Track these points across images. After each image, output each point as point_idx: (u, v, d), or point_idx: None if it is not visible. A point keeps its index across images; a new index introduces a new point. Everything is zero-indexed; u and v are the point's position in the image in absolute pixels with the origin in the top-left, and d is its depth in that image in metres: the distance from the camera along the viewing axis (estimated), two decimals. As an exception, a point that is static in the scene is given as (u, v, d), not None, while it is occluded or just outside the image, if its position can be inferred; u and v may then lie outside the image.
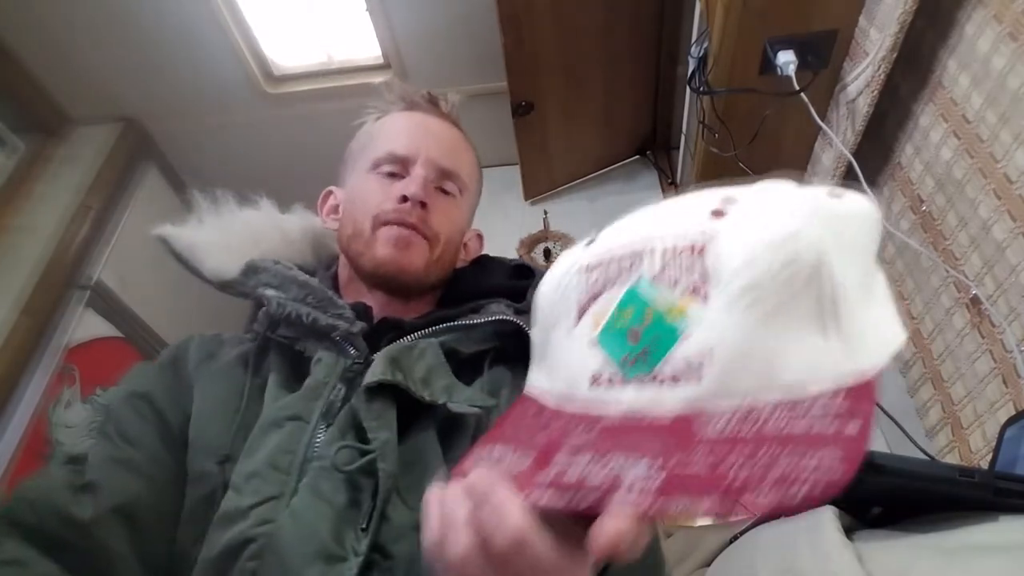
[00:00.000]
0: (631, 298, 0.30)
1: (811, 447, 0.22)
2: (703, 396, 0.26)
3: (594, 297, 0.31)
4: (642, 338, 0.29)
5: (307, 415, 0.51)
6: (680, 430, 0.26)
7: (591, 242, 0.34)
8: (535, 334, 0.37)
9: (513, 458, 0.30)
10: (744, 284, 0.26)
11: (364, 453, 0.46)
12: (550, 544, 0.25)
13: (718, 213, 0.29)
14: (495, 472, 0.26)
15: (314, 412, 0.51)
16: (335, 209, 0.70)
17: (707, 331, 0.27)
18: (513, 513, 0.25)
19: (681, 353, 0.27)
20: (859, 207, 0.29)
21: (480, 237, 0.74)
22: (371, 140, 0.67)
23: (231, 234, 0.64)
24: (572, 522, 0.25)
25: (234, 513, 0.46)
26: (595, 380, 0.30)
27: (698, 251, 0.28)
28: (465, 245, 0.71)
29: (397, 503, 0.47)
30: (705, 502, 0.22)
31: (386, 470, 0.46)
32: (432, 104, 0.69)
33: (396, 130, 0.67)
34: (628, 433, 0.28)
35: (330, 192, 0.72)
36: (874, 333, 0.27)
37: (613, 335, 0.30)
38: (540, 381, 0.36)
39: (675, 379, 0.27)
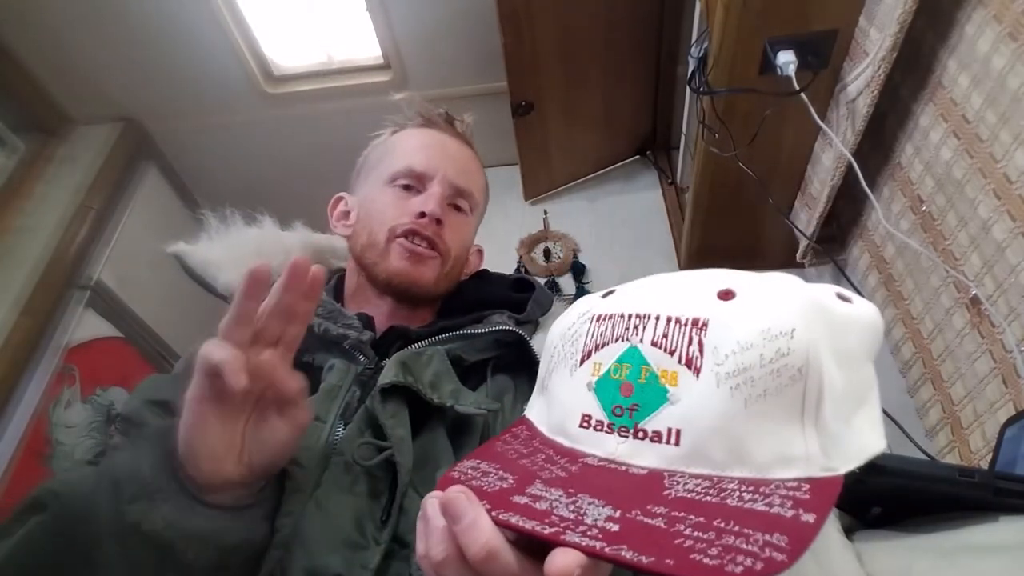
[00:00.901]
0: (631, 355, 0.32)
1: (764, 526, 0.23)
2: (678, 458, 0.29)
3: (599, 346, 0.34)
4: (634, 394, 0.31)
5: (324, 415, 0.53)
6: (651, 483, 0.28)
7: (609, 294, 0.37)
8: (543, 364, 0.39)
9: (494, 476, 0.32)
10: (735, 366, 0.28)
11: (382, 449, 0.49)
12: (519, 556, 0.27)
13: (726, 295, 0.31)
14: (470, 492, 0.28)
15: (331, 412, 0.53)
16: (346, 215, 0.72)
17: (693, 402, 0.29)
18: (485, 529, 0.27)
19: (666, 416, 0.30)
20: (863, 314, 0.31)
21: (480, 252, 0.77)
22: (389, 153, 0.70)
23: (240, 251, 0.66)
24: (537, 545, 0.27)
25: None
26: (585, 421, 0.33)
27: (700, 326, 0.30)
28: (467, 259, 0.73)
29: (414, 496, 0.49)
30: (652, 558, 0.23)
31: (403, 464, 0.48)
32: (449, 124, 0.72)
33: (415, 146, 0.69)
34: (604, 476, 0.30)
35: (341, 198, 0.74)
36: (854, 438, 0.28)
37: (608, 385, 0.32)
38: (539, 408, 0.38)
39: (655, 438, 0.30)
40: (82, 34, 1.67)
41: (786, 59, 1.06)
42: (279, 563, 0.45)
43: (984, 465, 0.83)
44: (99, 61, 1.73)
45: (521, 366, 0.62)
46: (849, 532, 0.44)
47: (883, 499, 0.47)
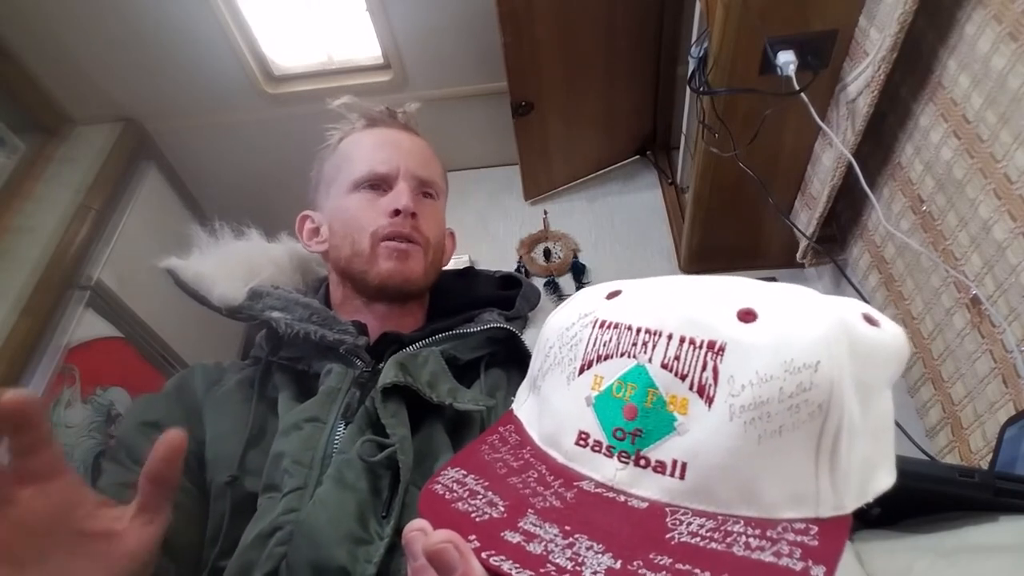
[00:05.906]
0: (637, 375, 0.29)
1: None
2: (681, 492, 0.27)
3: (601, 357, 0.31)
4: (637, 418, 0.29)
5: (324, 416, 0.54)
6: (652, 521, 0.26)
7: (614, 295, 0.34)
8: (535, 360, 0.37)
9: (483, 499, 0.30)
10: (751, 399, 0.26)
11: (383, 447, 0.50)
12: None
13: (746, 315, 0.28)
14: (458, 539, 0.26)
15: (332, 413, 0.54)
16: (316, 232, 0.72)
17: (702, 434, 0.27)
18: None
19: (672, 447, 0.28)
20: (890, 340, 0.29)
21: (452, 235, 0.77)
22: (345, 161, 0.70)
23: (231, 264, 0.67)
24: None
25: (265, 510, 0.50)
26: (582, 439, 0.31)
27: (716, 351, 0.28)
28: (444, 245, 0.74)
29: (415, 491, 0.50)
30: None
31: (405, 461, 0.50)
32: (392, 118, 0.72)
33: (369, 148, 0.69)
34: (602, 509, 0.28)
35: (307, 216, 0.73)
36: (867, 474, 0.27)
37: (610, 404, 0.30)
38: (530, 408, 0.36)
39: (658, 469, 0.28)
40: (82, 34, 1.67)
41: (786, 59, 1.06)
42: (283, 558, 0.46)
43: (984, 465, 0.83)
44: (99, 61, 1.73)
45: (513, 360, 0.65)
46: (849, 532, 0.44)
47: (883, 499, 0.47)
